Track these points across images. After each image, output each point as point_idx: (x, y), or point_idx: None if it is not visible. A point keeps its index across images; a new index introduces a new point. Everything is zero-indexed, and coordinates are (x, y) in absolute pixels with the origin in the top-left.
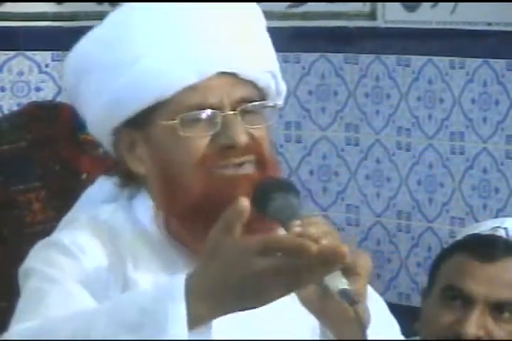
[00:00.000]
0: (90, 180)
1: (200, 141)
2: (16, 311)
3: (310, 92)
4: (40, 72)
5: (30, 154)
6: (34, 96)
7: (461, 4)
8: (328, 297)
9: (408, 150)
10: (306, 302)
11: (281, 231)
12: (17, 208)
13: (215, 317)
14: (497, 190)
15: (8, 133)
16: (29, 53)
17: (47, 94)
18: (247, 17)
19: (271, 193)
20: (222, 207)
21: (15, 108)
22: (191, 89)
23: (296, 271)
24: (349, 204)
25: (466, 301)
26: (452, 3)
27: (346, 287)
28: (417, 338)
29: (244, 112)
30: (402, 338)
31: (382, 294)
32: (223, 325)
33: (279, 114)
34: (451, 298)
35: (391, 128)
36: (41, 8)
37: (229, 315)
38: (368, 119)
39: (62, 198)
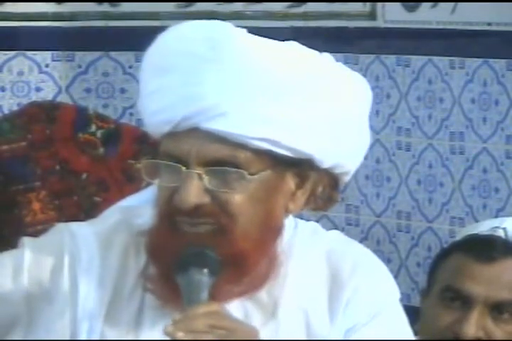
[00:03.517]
0: (90, 180)
1: (164, 189)
2: None
3: None
4: (40, 72)
5: (30, 154)
6: (34, 96)
7: (461, 4)
8: None
9: (408, 150)
10: None
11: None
12: (17, 208)
13: None
14: (497, 190)
15: (8, 133)
16: (29, 53)
17: (47, 94)
18: (283, 78)
19: (187, 265)
20: (169, 258)
21: (15, 108)
22: (169, 136)
23: None
24: (349, 204)
25: (465, 302)
26: (452, 3)
27: None
28: (417, 338)
29: (214, 173)
30: None
31: None
32: None
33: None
34: (450, 299)
35: (391, 128)
36: (41, 8)
37: None
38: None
39: (62, 198)
